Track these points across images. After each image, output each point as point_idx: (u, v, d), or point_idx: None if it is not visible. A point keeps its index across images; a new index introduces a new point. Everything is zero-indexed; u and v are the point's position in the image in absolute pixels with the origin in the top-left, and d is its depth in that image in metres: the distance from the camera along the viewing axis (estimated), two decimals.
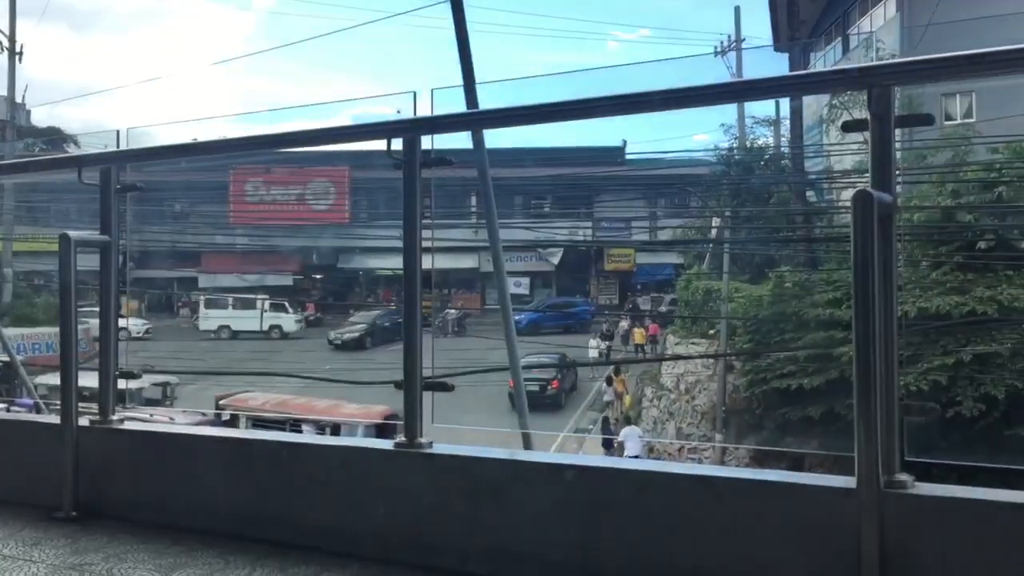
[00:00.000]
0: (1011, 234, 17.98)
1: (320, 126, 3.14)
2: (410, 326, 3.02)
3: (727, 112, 29.71)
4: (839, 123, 23.84)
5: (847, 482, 2.31)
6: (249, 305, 38.07)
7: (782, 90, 2.61)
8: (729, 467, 18.51)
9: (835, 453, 17.39)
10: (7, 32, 33.16)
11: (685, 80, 2.67)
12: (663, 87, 2.68)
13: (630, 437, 21.26)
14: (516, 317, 37.17)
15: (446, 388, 3.04)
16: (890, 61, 2.24)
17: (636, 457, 20.63)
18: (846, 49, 31.43)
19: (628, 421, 23.99)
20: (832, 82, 2.49)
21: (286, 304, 38.43)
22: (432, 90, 2.99)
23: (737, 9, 33.23)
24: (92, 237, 3.69)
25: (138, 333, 33.89)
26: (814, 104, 30.62)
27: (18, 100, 33.05)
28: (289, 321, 37.65)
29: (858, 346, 2.24)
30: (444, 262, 33.17)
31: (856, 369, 2.23)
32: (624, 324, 35.18)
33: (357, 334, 34.67)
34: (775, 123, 31.47)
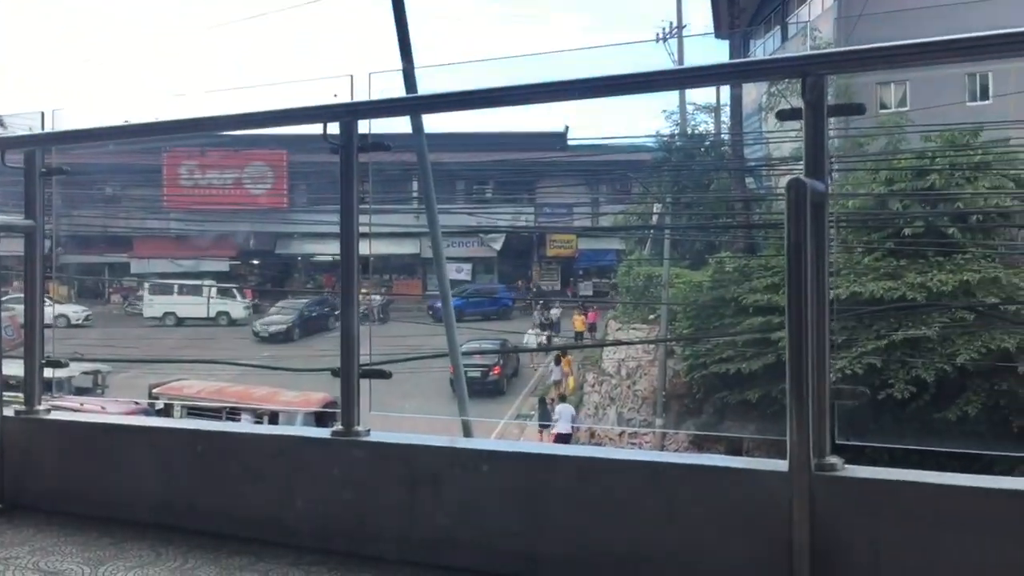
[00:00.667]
0: (941, 221, 18.45)
1: (254, 109, 3.07)
2: (347, 313, 2.98)
3: (669, 98, 29.94)
4: (776, 111, 24.24)
5: (779, 465, 2.34)
6: (196, 291, 37.00)
7: (721, 78, 2.63)
8: (667, 452, 18.79)
9: (770, 437, 17.75)
10: None
11: (627, 66, 2.67)
12: (605, 73, 2.68)
13: (563, 415, 21.69)
14: (437, 304, 36.99)
15: (384, 375, 3.01)
16: (823, 51, 2.29)
17: (567, 435, 21.31)
18: (784, 37, 31.89)
19: (563, 400, 24.25)
20: (769, 71, 2.51)
21: (234, 290, 37.44)
22: (370, 74, 2.94)
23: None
24: (16, 222, 3.58)
25: (77, 320, 32.99)
26: (754, 91, 30.97)
27: None
28: (237, 308, 36.48)
29: (791, 331, 2.27)
30: (384, 248, 32.90)
31: (789, 354, 2.26)
32: (555, 312, 35.10)
33: (284, 326, 32.93)
34: (715, 110, 31.83)
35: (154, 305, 36.73)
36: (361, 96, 3.13)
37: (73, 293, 35.95)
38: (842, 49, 2.31)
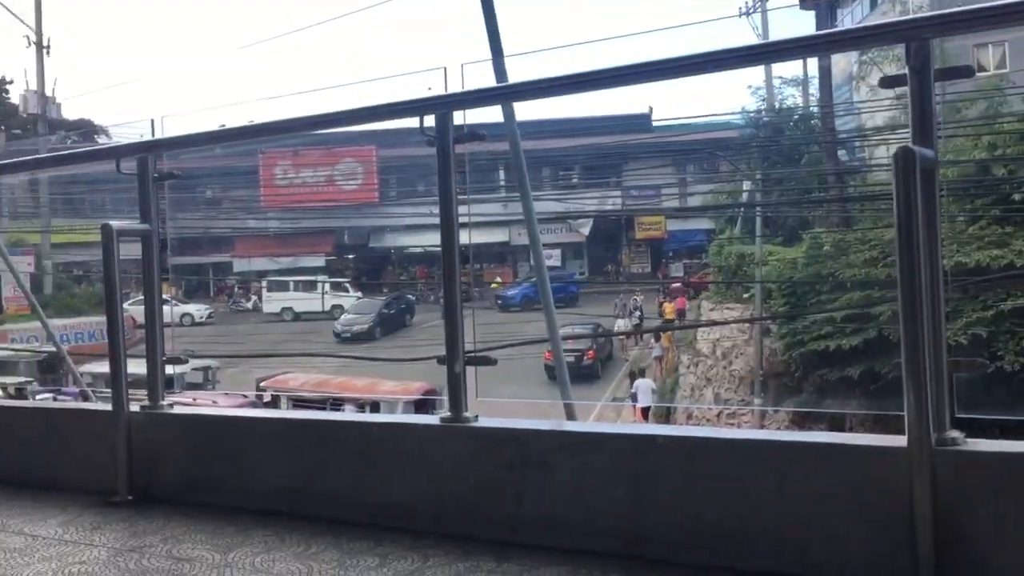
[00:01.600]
0: None
1: (352, 106, 3.15)
2: (450, 301, 3.04)
3: (754, 73, 29.31)
4: (869, 80, 23.49)
5: (897, 441, 2.29)
6: (310, 287, 38.10)
7: (818, 48, 2.57)
8: (775, 430, 18.46)
9: (882, 412, 17.28)
10: (33, 28, 33.55)
11: (711, 43, 2.64)
12: (690, 52, 2.65)
13: (642, 389, 21.75)
14: (511, 292, 36.66)
15: (489, 362, 3.06)
16: (929, 13, 2.20)
17: (647, 408, 21.65)
18: (873, 5, 30.81)
19: (642, 374, 24.21)
20: (870, 38, 2.44)
21: (347, 284, 38.38)
22: (462, 65, 2.99)
23: None
24: (133, 226, 3.75)
25: (201, 318, 34.48)
26: (843, 61, 30.08)
27: (48, 94, 33.46)
28: (350, 301, 37.48)
29: (904, 303, 2.22)
30: (477, 237, 33.12)
31: (903, 327, 2.21)
32: (637, 298, 34.53)
33: (366, 325, 32.86)
34: (803, 83, 31.03)
35: (272, 301, 38.03)
36: (455, 89, 3.18)
37: (180, 293, 37.37)
38: (948, 11, 2.23)
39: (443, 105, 2.97)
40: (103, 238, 3.59)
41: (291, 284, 38.32)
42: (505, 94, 3.54)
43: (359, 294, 38.30)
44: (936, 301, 2.29)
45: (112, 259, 3.60)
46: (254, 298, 40.28)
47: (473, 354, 3.08)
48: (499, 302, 33.20)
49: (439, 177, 2.97)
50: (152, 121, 3.78)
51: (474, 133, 3.04)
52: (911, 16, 2.31)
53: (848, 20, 33.37)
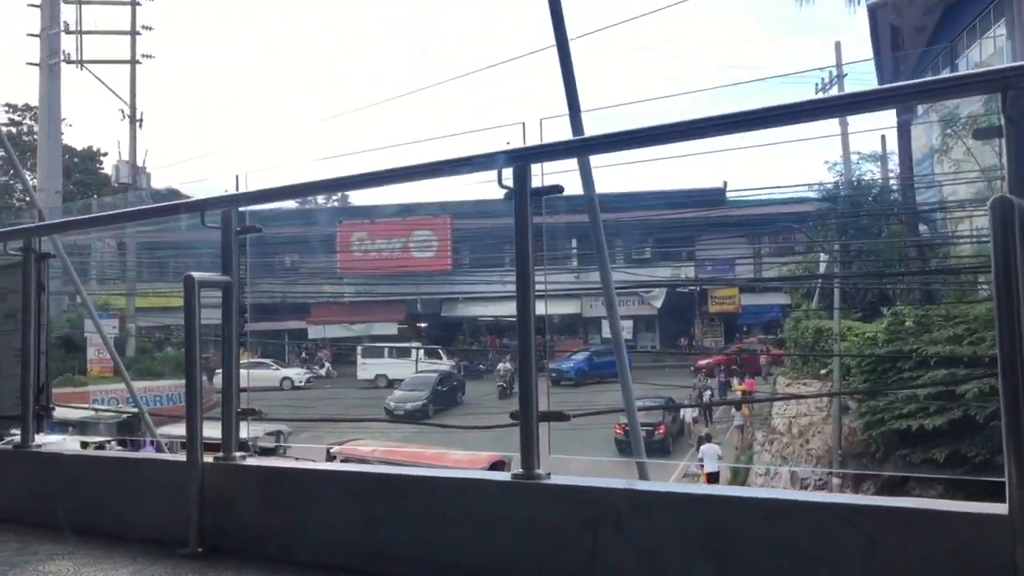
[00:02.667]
0: None
1: (430, 159, 3.18)
2: (525, 358, 3.00)
3: (831, 149, 29.06)
4: (952, 154, 23.04)
5: (998, 509, 2.16)
6: (404, 353, 38.32)
7: (914, 96, 2.49)
8: (865, 495, 17.75)
9: (980, 478, 16.49)
10: (128, 102, 35.24)
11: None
12: (782, 102, 2.59)
13: (707, 455, 21.38)
14: (564, 366, 36.06)
15: (563, 418, 3.00)
16: None
17: (716, 473, 21.34)
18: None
19: (708, 439, 23.64)
20: (964, 86, 2.37)
21: (440, 350, 38.49)
22: (540, 120, 3.00)
23: (838, 44, 32.69)
24: (215, 278, 3.81)
25: (300, 382, 34.91)
26: (923, 137, 29.67)
27: (139, 164, 34.96)
28: (445, 367, 37.46)
29: (1003, 362, 2.11)
30: (551, 307, 33.01)
31: (1002, 384, 2.09)
32: (711, 385, 33.60)
33: (420, 402, 31.90)
34: (882, 158, 30.63)
35: (367, 367, 38.12)
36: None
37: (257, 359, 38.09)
38: None
39: (520, 157, 2.98)
40: (185, 289, 3.66)
41: (385, 350, 38.46)
42: (581, 147, 3.54)
43: (454, 361, 38.24)
44: None
45: (193, 310, 3.66)
46: (327, 365, 40.77)
47: (547, 412, 3.02)
48: (552, 375, 32.47)
49: (516, 231, 2.96)
50: (236, 176, 3.88)
51: (554, 186, 3.03)
52: (1007, 65, 2.25)
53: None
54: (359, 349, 38.60)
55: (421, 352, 38.07)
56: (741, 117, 2.59)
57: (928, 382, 17.97)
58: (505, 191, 2.99)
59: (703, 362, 35.87)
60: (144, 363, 31.97)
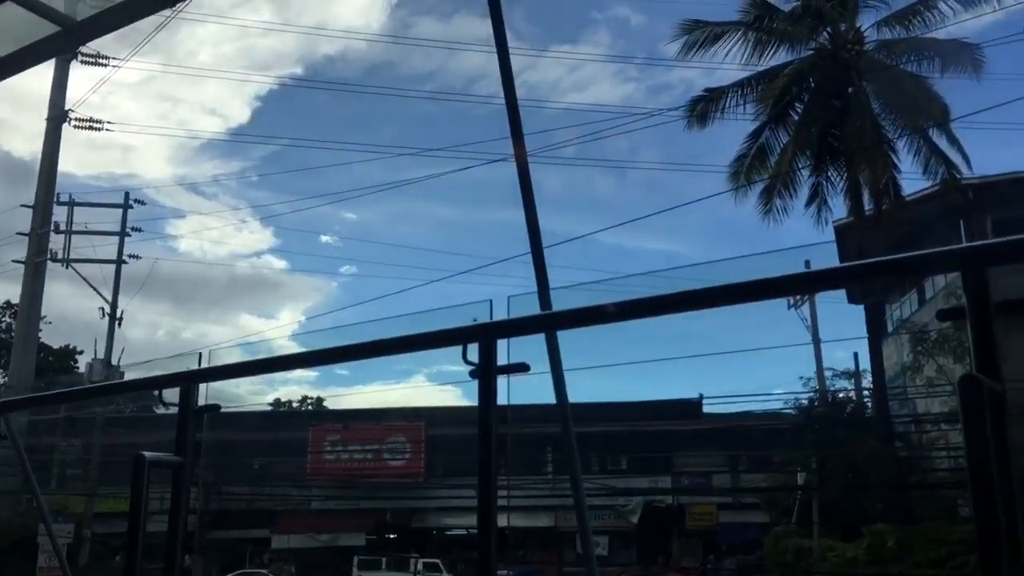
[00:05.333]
0: None
1: (395, 335, 3.13)
2: None
3: (804, 364, 29.46)
4: (924, 371, 23.33)
5: None
6: (403, 565, 37.07)
7: (882, 273, 2.52)
8: None
9: None
10: (109, 301, 35.55)
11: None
12: (754, 278, 2.57)
13: None
14: None
15: None
16: (989, 241, 2.16)
17: None
18: (922, 301, 31.32)
19: None
20: (928, 265, 2.39)
21: (439, 563, 37.13)
22: (508, 297, 2.99)
23: (807, 263, 33.76)
24: (167, 458, 3.65)
25: None
26: (894, 355, 30.21)
27: (114, 362, 34.74)
28: None
29: (982, 543, 1.99)
30: (519, 520, 32.13)
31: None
32: None
33: None
34: (855, 375, 30.99)
35: None
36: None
37: (215, 571, 36.31)
38: (1006, 239, 2.19)
39: (486, 334, 2.93)
40: (134, 469, 3.49)
41: (383, 562, 37.10)
42: (548, 322, 3.51)
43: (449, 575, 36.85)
44: (1020, 546, 2.05)
45: (140, 492, 3.46)
46: None
47: None
48: None
49: (479, 404, 2.86)
50: (199, 354, 3.82)
51: (520, 364, 2.97)
52: (967, 245, 2.28)
53: (897, 315, 33.93)
54: (355, 560, 36.95)
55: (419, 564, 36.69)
56: (710, 293, 2.58)
57: None
58: (471, 367, 2.92)
59: None
60: (95, 574, 30.40)
